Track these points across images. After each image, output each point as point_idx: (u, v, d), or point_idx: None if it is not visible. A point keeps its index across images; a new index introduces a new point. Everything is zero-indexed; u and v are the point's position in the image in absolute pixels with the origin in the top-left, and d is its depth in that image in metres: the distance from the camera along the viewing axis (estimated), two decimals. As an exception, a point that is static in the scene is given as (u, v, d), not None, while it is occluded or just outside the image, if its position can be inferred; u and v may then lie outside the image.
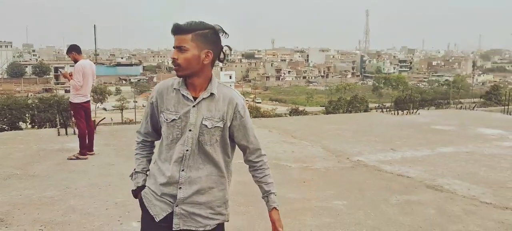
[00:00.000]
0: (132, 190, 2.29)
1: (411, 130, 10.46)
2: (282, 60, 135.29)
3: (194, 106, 2.08)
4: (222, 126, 2.10)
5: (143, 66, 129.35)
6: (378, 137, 9.40)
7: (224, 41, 2.12)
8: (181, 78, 2.10)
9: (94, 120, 7.71)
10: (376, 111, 19.07)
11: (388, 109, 15.67)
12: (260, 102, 64.73)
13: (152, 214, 2.16)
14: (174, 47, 2.04)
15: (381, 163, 6.97)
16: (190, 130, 2.08)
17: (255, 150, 2.23)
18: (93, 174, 6.17)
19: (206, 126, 2.07)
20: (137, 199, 2.24)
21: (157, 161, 2.20)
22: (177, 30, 2.03)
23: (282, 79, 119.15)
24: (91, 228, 4.23)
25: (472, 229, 4.39)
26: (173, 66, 2.07)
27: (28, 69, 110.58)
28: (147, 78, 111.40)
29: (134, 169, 2.32)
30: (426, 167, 6.79)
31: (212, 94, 2.09)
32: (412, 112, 13.84)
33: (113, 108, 62.22)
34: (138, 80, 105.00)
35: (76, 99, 6.99)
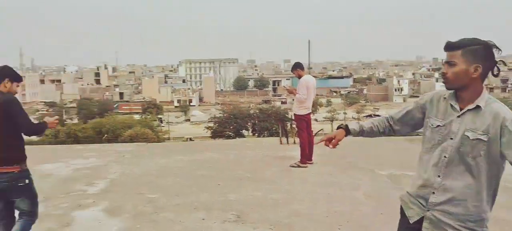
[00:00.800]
0: (344, 125, 2.56)
1: None
2: (509, 69, 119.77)
3: (458, 116, 2.16)
4: (485, 140, 2.09)
5: (353, 78, 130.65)
6: None
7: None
8: (452, 90, 2.21)
9: (312, 131, 8.18)
10: None
11: None
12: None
13: (407, 216, 2.31)
14: (445, 62, 2.18)
15: None
16: (451, 138, 2.16)
17: None
18: (312, 182, 6.57)
19: (468, 136, 2.11)
20: None
21: (417, 165, 2.33)
22: (448, 46, 2.16)
23: (509, 90, 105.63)
24: (314, 233, 4.53)
25: None
26: (442, 80, 2.22)
27: (250, 83, 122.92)
28: (357, 90, 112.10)
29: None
30: None
31: (478, 106, 2.13)
32: None
33: (324, 119, 64.38)
34: (348, 92, 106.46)
35: (300, 111, 7.55)
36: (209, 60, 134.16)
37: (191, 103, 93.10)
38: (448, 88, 2.21)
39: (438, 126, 2.22)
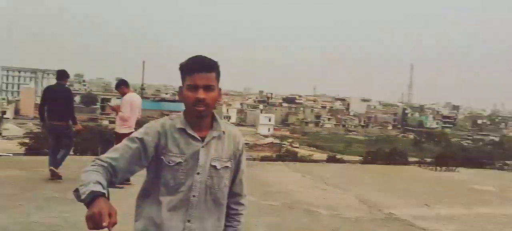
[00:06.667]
0: (84, 198, 1.60)
1: (448, 187, 10.21)
2: (322, 107, 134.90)
3: (203, 146, 1.88)
4: (231, 166, 1.96)
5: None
6: (414, 192, 9.24)
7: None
8: (183, 117, 1.91)
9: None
10: (414, 166, 18.69)
11: (427, 165, 15.34)
12: (297, 147, 64.25)
13: None
14: (199, 86, 1.82)
15: (414, 218, 6.84)
16: (198, 173, 1.87)
17: (237, 194, 2.04)
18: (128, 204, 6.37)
19: (214, 166, 1.89)
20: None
21: (153, 214, 1.88)
22: (205, 67, 1.84)
23: (321, 126, 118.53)
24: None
25: None
26: (196, 106, 1.83)
27: (77, 99, 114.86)
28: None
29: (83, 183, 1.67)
30: (461, 226, 6.63)
31: (223, 132, 1.94)
32: (452, 170, 13.52)
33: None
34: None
35: (122, 129, 7.33)
36: (30, 70, 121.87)
37: (5, 116, 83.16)
38: (204, 116, 1.88)
39: (179, 162, 1.85)
